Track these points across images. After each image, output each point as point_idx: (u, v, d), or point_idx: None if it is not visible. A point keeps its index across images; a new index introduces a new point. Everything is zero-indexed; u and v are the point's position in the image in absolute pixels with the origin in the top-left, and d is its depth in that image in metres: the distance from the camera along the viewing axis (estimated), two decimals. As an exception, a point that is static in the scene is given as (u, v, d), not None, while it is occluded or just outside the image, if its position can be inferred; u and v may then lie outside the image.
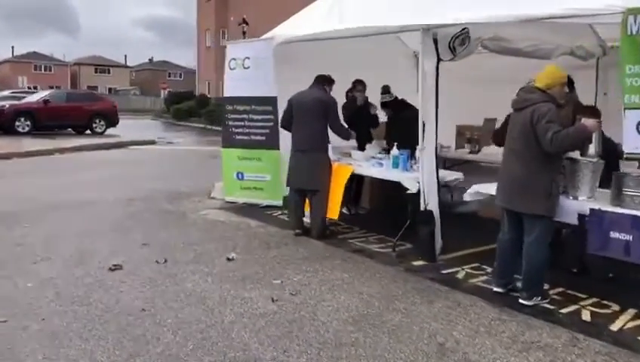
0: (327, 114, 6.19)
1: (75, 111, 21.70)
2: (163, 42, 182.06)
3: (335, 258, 5.58)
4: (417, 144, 6.55)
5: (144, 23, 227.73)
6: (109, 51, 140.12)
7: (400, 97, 7.42)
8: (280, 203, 7.76)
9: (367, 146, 6.95)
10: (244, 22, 33.45)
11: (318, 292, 4.63)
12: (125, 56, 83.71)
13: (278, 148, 7.72)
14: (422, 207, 5.54)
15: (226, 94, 8.14)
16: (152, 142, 19.33)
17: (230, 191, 8.17)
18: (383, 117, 7.75)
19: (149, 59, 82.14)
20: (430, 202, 5.54)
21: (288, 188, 6.60)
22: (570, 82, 5.31)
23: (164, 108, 43.35)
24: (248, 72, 7.80)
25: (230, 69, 8.00)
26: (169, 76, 76.63)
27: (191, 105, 37.68)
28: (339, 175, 6.19)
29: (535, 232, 4.34)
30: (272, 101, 7.66)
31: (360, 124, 7.45)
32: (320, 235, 6.24)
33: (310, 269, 5.22)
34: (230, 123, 8.07)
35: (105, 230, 6.57)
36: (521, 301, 4.41)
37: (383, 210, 7.38)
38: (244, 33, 33.30)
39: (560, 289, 4.69)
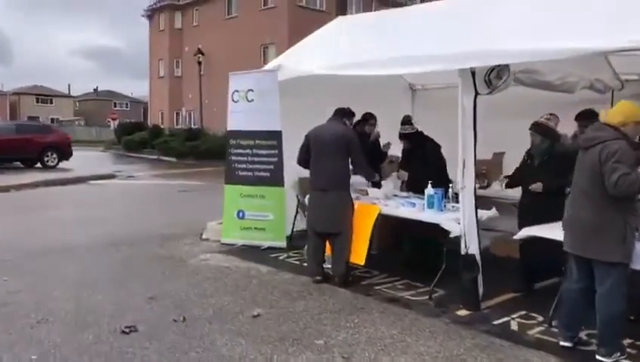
0: (350, 150, 5.73)
1: (25, 143, 20.44)
2: (104, 72, 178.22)
3: (371, 309, 5.07)
4: (438, 180, 6.26)
5: (82, 53, 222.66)
6: (47, 81, 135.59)
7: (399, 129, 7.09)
8: (283, 244, 7.23)
9: (383, 183, 6.52)
10: (200, 52, 32.87)
11: (373, 355, 4.11)
12: (69, 85, 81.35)
13: (283, 185, 7.21)
14: (462, 251, 5.13)
15: (229, 128, 7.59)
16: (112, 176, 18.35)
17: (228, 231, 7.55)
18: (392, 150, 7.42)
19: (94, 89, 79.98)
20: (471, 246, 5.14)
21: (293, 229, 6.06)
22: None
23: (115, 140, 41.90)
24: (252, 104, 7.31)
25: (233, 101, 7.48)
26: (115, 106, 74.78)
27: (143, 136, 36.52)
28: (364, 215, 5.72)
29: (609, 281, 3.98)
30: (276, 135, 7.18)
31: (370, 158, 7.06)
32: (343, 282, 5.72)
33: (350, 325, 4.69)
34: (233, 158, 7.51)
35: (99, 282, 5.84)
36: (599, 357, 4.03)
37: (394, 252, 6.91)
38: (199, 63, 32.73)
39: (629, 341, 4.33)
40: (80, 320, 4.70)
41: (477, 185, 7.15)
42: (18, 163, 20.78)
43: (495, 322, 4.80)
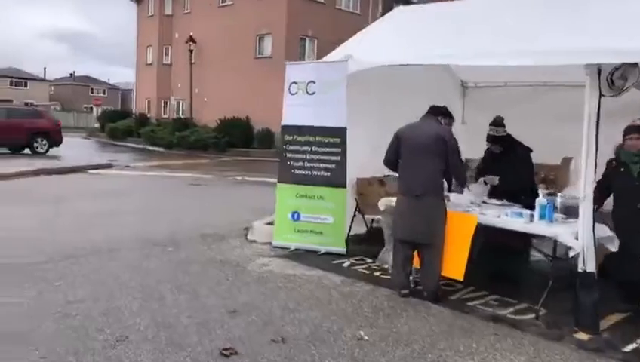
0: (447, 153, 5.21)
1: (14, 128, 19.42)
2: (76, 56, 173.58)
3: (482, 331, 4.58)
4: (529, 188, 5.80)
5: (53, 36, 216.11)
6: (18, 64, 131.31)
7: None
8: (343, 250, 6.69)
9: (471, 187, 6.01)
10: (191, 40, 31.97)
11: (520, 388, 3.61)
12: (44, 69, 78.93)
13: (345, 186, 6.66)
14: (580, 269, 4.66)
15: (285, 122, 7.00)
16: (109, 166, 17.52)
17: (280, 233, 6.98)
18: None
19: (70, 74, 77.78)
20: (589, 263, 4.68)
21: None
22: None
23: (98, 127, 40.68)
24: (313, 97, 6.73)
25: (290, 93, 6.89)
26: (92, 92, 72.92)
27: (129, 125, 35.49)
28: (460, 225, 5.22)
29: None
30: (341, 132, 6.63)
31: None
32: (434, 297, 5.21)
33: (471, 351, 4.19)
34: (288, 155, 6.92)
35: (164, 290, 5.23)
36: None
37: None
38: (190, 52, 31.85)
39: None
40: (165, 339, 4.10)
41: (546, 192, 6.72)
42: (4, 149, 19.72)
43: (625, 349, 4.36)
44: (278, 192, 7.03)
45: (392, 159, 5.48)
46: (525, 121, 6.69)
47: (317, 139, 6.76)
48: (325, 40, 29.45)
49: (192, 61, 31.78)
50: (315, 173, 6.79)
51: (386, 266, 6.04)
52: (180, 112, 34.54)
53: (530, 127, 6.61)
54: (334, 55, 6.94)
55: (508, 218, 5.11)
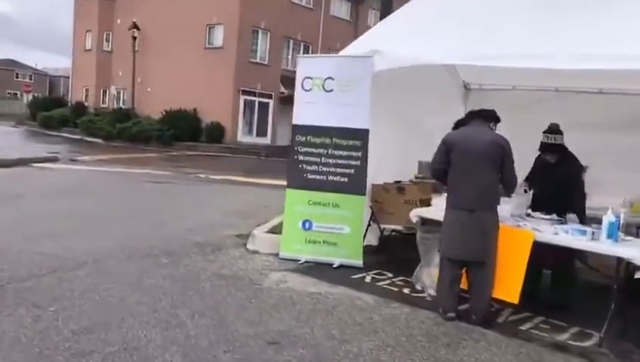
0: (503, 162, 4.73)
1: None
2: None
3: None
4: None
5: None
6: None
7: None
8: (360, 263, 6.12)
9: (513, 199, 5.55)
10: (135, 26, 30.34)
11: None
12: (-37, 50, 73.28)
13: (364, 194, 6.10)
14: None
15: (297, 121, 6.32)
16: (55, 159, 16.12)
17: (289, 243, 6.32)
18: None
19: (-8, 56, 72.67)
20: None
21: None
22: None
23: (28, 115, 38.08)
24: (331, 95, 6.11)
25: (304, 90, 6.22)
26: (17, 77, 68.58)
27: (64, 114, 33.37)
28: (515, 242, 4.76)
29: None
30: (362, 134, 6.07)
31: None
32: (484, 321, 4.73)
33: (556, 386, 3.71)
34: (301, 158, 6.26)
35: (180, 314, 4.48)
36: None
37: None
38: (134, 39, 30.24)
39: None
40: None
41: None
42: None
43: None
44: (287, 198, 6.36)
45: (441, 168, 4.94)
46: (533, 127, 6.27)
47: (335, 141, 6.14)
48: (279, 33, 28.74)
49: (135, 49, 30.18)
50: (331, 178, 6.18)
51: (419, 286, 5.52)
52: (121, 102, 32.80)
53: (538, 133, 6.26)
54: (352, 49, 6.33)
55: (568, 235, 4.68)
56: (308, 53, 31.36)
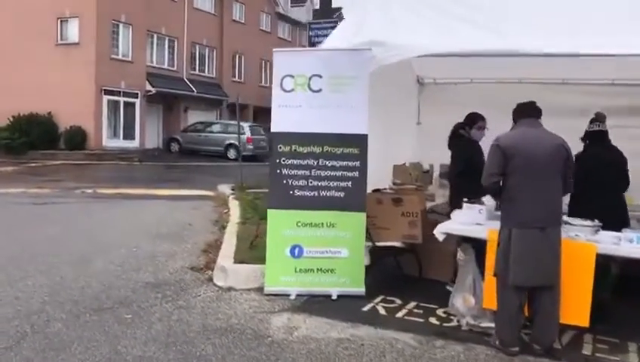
0: (567, 168, 4.13)
1: None
2: None
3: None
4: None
5: None
6: None
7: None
8: (362, 291, 5.26)
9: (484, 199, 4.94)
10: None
11: None
12: None
13: (364, 210, 5.23)
14: None
15: (278, 128, 5.25)
16: None
17: (275, 276, 5.27)
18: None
19: None
20: None
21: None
22: None
23: None
24: (319, 96, 5.15)
25: (284, 91, 5.17)
26: None
27: None
28: (577, 258, 4.17)
29: None
30: (359, 141, 5.20)
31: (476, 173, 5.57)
32: (551, 352, 4.12)
33: None
34: (285, 171, 5.20)
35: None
36: None
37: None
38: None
39: None
40: None
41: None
42: None
43: None
44: (269, 221, 5.28)
45: (497, 180, 4.19)
46: (497, 120, 5.84)
47: (326, 149, 5.18)
48: (141, 27, 26.48)
49: (-30, 45, 26.02)
50: (324, 193, 5.21)
51: (453, 315, 4.78)
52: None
53: (499, 128, 5.88)
54: (336, 41, 5.38)
55: (633, 244, 4.21)
56: (174, 48, 29.45)
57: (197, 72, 31.15)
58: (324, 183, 5.19)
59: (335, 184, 5.19)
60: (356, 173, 5.18)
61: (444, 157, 7.11)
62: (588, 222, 4.62)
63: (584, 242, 4.27)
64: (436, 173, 7.01)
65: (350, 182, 5.19)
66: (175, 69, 29.53)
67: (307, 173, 5.19)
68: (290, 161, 5.19)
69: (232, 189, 12.26)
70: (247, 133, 25.06)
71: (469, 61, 6.18)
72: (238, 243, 6.65)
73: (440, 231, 4.74)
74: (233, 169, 20.02)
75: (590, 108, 5.70)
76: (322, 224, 5.22)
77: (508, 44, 4.72)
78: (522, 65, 6.48)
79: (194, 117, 29.76)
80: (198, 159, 24.05)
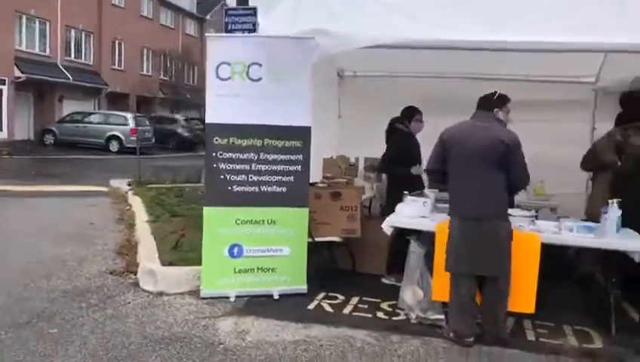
0: (510, 161, 4.17)
1: None
2: None
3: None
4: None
5: None
6: None
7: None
8: (304, 288, 5.11)
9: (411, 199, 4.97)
10: None
11: None
12: None
13: (307, 206, 5.07)
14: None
15: (213, 119, 4.89)
16: None
17: (213, 277, 4.95)
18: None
19: None
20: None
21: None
22: None
23: None
24: (259, 85, 4.87)
25: (220, 79, 4.84)
26: None
27: None
28: (524, 247, 4.30)
29: None
30: (303, 133, 5.00)
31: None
32: (499, 341, 4.20)
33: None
34: (222, 166, 4.87)
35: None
36: None
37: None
38: None
39: None
40: None
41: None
42: None
43: None
44: (205, 220, 4.93)
45: (438, 170, 4.27)
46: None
47: (267, 142, 4.92)
48: (8, 7, 24.16)
49: None
50: (264, 188, 4.95)
51: (401, 309, 4.76)
52: None
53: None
54: (269, 27, 5.11)
55: (573, 233, 4.42)
56: (45, 31, 27.18)
57: (73, 58, 29.02)
58: (265, 178, 4.93)
59: (277, 179, 4.96)
60: (299, 167, 4.98)
61: (367, 150, 7.14)
62: (525, 213, 4.81)
63: (528, 232, 4.41)
64: (361, 166, 6.97)
65: (292, 177, 4.98)
66: (48, 54, 27.28)
67: (247, 167, 4.90)
68: (228, 155, 4.87)
69: (129, 184, 11.48)
70: (131, 124, 23.78)
71: (388, 54, 6.13)
72: (158, 244, 6.18)
73: (388, 225, 4.68)
74: (118, 162, 18.95)
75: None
76: (263, 221, 4.97)
77: (449, 36, 4.70)
78: (442, 60, 6.63)
79: (70, 107, 27.64)
80: (76, 152, 22.34)
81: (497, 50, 5.47)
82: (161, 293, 4.98)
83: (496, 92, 4.36)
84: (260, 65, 4.84)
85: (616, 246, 4.34)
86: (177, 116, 29.32)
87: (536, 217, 4.84)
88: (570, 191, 6.64)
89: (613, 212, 4.36)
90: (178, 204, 8.82)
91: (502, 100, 4.29)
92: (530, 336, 4.46)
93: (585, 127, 7.01)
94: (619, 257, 4.48)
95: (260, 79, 4.85)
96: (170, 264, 5.31)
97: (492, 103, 4.29)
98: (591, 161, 5.76)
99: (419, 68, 7.15)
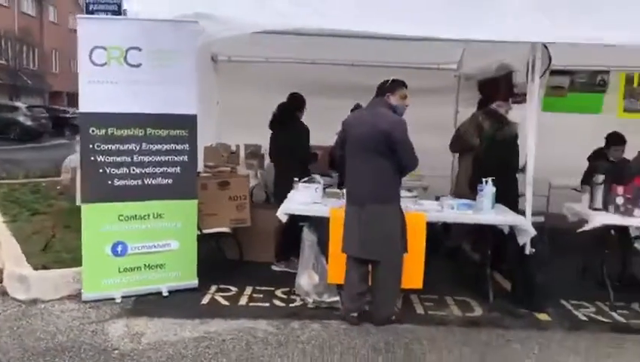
0: (395, 147, 4.17)
1: None
2: None
3: (495, 341, 4.18)
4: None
5: None
6: None
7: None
8: (195, 283, 4.97)
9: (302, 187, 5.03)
10: None
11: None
12: None
13: (196, 197, 4.91)
14: (528, 251, 4.75)
15: (87, 108, 4.49)
16: None
17: (96, 279, 4.61)
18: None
19: None
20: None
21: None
22: None
23: None
24: (139, 71, 4.58)
25: (95, 64, 4.46)
26: None
27: None
28: (411, 227, 4.50)
29: None
30: (188, 122, 4.81)
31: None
32: (385, 321, 4.35)
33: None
34: (100, 158, 4.52)
35: None
36: None
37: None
38: None
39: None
40: None
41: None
42: None
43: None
44: (84, 218, 4.54)
45: (341, 155, 4.35)
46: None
47: (150, 132, 4.64)
48: None
49: None
50: (149, 181, 4.68)
51: (297, 294, 4.78)
52: None
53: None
54: (146, 8, 4.80)
55: (454, 211, 4.73)
56: None
57: None
58: (148, 170, 4.66)
59: (162, 170, 4.70)
60: (185, 157, 4.77)
61: (247, 137, 7.06)
62: (407, 193, 5.06)
63: (414, 212, 4.63)
64: (242, 154, 6.88)
65: (179, 168, 4.76)
66: None
67: (128, 159, 4.59)
68: (106, 147, 4.52)
69: (-31, 181, 10.27)
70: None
71: (263, 40, 6.07)
72: (23, 246, 5.60)
73: (283, 213, 4.66)
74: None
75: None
76: (148, 216, 4.70)
77: (332, 24, 4.72)
78: (316, 47, 6.74)
79: None
80: None
81: (366, 38, 5.63)
82: (35, 301, 4.53)
83: (388, 80, 4.45)
84: (140, 49, 4.54)
85: (492, 221, 4.72)
86: (18, 104, 26.59)
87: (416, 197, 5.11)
88: (437, 173, 7.10)
89: (488, 189, 4.73)
90: (37, 201, 8.05)
91: (394, 85, 4.34)
92: (419, 310, 4.73)
93: (449, 112, 7.52)
94: (491, 231, 4.89)
95: (139, 65, 4.55)
96: (44, 267, 4.84)
97: (384, 89, 4.37)
98: (456, 143, 6.19)
99: (292, 53, 7.22)
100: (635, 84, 7.21)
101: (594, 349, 4.03)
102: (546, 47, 4.88)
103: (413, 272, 4.50)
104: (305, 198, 4.78)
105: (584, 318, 4.68)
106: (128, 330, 4.05)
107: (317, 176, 5.10)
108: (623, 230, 5.32)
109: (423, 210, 4.70)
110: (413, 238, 4.48)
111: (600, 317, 4.71)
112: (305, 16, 4.57)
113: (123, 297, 4.63)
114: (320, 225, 4.69)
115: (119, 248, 4.63)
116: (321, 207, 4.69)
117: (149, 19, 4.59)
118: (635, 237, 5.74)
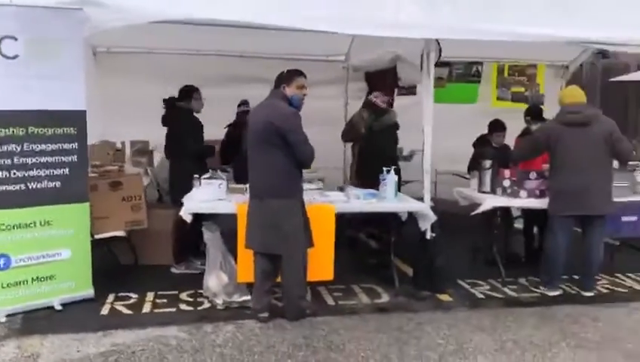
0: (287, 140, 4.03)
1: None
2: None
3: (401, 329, 4.31)
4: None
5: None
6: None
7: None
8: (91, 293, 4.63)
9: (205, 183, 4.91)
10: None
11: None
12: None
13: (87, 200, 4.55)
14: (429, 236, 4.94)
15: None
16: None
17: (-27, 299, 4.10)
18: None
19: None
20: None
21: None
22: None
23: None
24: (16, 64, 4.12)
25: (-39, 54, 3.94)
26: None
27: None
28: (320, 218, 4.51)
29: None
30: (76, 118, 4.43)
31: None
32: (299, 315, 4.29)
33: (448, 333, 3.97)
34: (-27, 163, 4.00)
35: None
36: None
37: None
38: None
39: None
40: None
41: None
42: None
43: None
44: (-42, 229, 4.02)
45: (243, 149, 4.27)
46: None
47: (32, 131, 4.18)
48: None
49: None
50: (33, 185, 4.22)
51: (205, 297, 4.59)
52: None
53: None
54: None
55: (360, 200, 4.80)
56: None
57: None
58: (32, 173, 4.21)
59: (47, 173, 4.27)
60: (74, 158, 4.37)
61: (133, 133, 6.66)
62: (312, 185, 5.06)
63: (322, 203, 4.64)
64: (128, 151, 6.48)
65: (67, 169, 4.35)
66: None
67: (8, 161, 4.11)
68: (-19, 149, 4.02)
69: None
70: None
71: (145, 30, 5.75)
72: None
73: (187, 213, 4.44)
74: None
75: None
76: (34, 223, 4.25)
77: (220, 15, 4.51)
78: (202, 37, 6.50)
79: None
80: None
81: (255, 28, 5.53)
82: None
83: (284, 70, 4.37)
84: (16, 39, 4.07)
85: (396, 208, 4.85)
86: None
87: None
88: (331, 165, 7.19)
89: (391, 178, 4.85)
90: None
91: (289, 75, 4.24)
92: (330, 301, 4.75)
93: (339, 104, 7.63)
94: (394, 219, 5.03)
95: (16, 56, 4.08)
96: None
97: (280, 80, 4.28)
98: (348, 133, 6.32)
99: (177, 44, 6.93)
100: (506, 75, 7.75)
101: (496, 324, 4.27)
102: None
103: (323, 264, 4.51)
104: (208, 195, 4.60)
105: (481, 296, 4.97)
106: (21, 352, 3.65)
107: (218, 172, 4.92)
108: (506, 211, 5.72)
109: (330, 201, 4.71)
110: (322, 230, 4.48)
111: (495, 294, 5.03)
112: (193, 5, 4.37)
113: (8, 316, 4.16)
114: (223, 222, 4.55)
115: (1, 261, 4.15)
116: (227, 203, 4.54)
117: (23, 4, 4.11)
118: (515, 218, 6.22)
